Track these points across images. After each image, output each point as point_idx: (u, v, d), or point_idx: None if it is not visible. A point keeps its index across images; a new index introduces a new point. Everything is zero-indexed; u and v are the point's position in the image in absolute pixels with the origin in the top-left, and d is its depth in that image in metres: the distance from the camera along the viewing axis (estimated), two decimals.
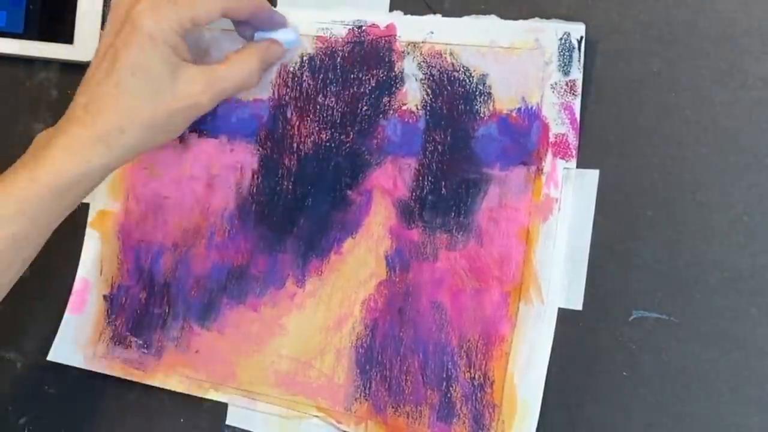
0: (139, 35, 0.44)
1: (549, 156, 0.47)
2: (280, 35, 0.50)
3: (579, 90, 0.46)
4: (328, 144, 0.51)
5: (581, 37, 0.46)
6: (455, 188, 0.48)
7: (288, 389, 0.51)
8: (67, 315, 0.56)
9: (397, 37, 0.50)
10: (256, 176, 0.53)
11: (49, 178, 0.44)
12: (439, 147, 0.49)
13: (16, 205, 0.43)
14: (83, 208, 0.57)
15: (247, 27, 0.50)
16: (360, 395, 0.50)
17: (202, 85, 0.46)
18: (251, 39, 0.50)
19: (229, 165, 0.53)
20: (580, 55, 0.46)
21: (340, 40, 0.51)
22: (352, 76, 0.51)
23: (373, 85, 0.50)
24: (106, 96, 0.44)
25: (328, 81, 0.51)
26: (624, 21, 0.46)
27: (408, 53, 0.50)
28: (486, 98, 0.48)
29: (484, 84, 0.48)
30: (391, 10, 0.51)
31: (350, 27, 0.51)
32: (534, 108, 0.47)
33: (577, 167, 0.46)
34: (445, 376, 0.48)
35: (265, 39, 0.50)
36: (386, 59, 0.50)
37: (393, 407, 0.49)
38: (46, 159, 0.44)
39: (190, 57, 0.46)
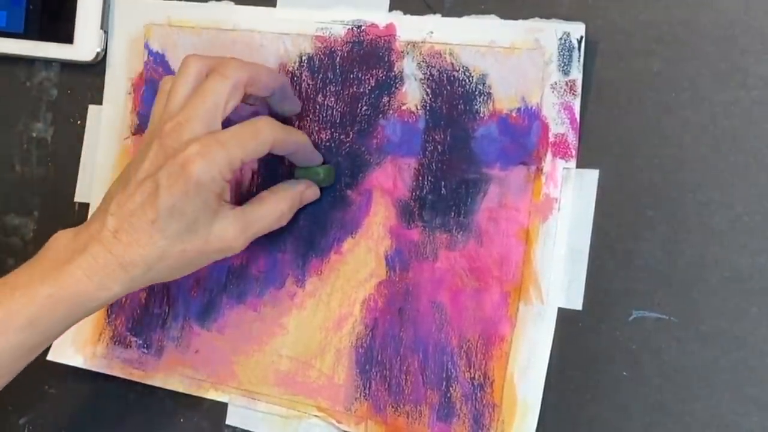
0: (185, 180, 0.43)
1: (549, 156, 0.47)
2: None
3: (579, 90, 0.46)
4: (327, 144, 0.51)
5: (581, 37, 0.46)
6: (455, 188, 0.48)
7: (288, 389, 0.51)
8: None
9: (396, 37, 0.50)
10: (256, 176, 0.53)
11: (65, 296, 0.43)
12: (439, 147, 0.49)
13: (29, 318, 0.43)
14: (83, 208, 0.57)
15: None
16: (360, 395, 0.50)
17: (236, 230, 0.45)
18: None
19: None
20: (580, 55, 0.46)
21: (340, 39, 0.51)
22: (351, 75, 0.51)
23: (373, 84, 0.50)
24: (139, 230, 0.43)
25: (327, 81, 0.51)
26: (624, 21, 0.46)
27: (407, 53, 0.50)
28: (486, 98, 0.48)
29: (483, 84, 0.48)
30: (390, 9, 0.50)
31: (349, 27, 0.51)
32: (534, 108, 0.47)
33: (576, 167, 0.46)
34: (444, 375, 0.48)
35: (303, 182, 0.49)
36: (386, 59, 0.50)
37: (393, 407, 0.49)
38: (67, 279, 0.43)
39: (228, 195, 0.46)
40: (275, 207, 0.48)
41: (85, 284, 0.44)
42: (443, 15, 0.49)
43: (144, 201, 0.44)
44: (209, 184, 0.43)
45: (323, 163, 0.51)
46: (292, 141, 0.47)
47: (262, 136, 0.45)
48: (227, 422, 0.53)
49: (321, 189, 0.51)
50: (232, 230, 0.45)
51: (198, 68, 0.46)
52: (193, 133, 0.44)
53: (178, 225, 0.44)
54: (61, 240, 0.45)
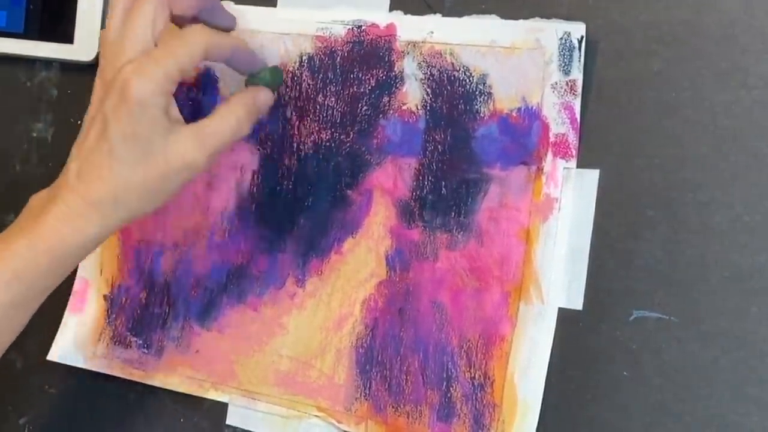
0: (126, 102, 0.43)
1: (549, 156, 0.47)
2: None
3: (579, 90, 0.46)
4: (328, 144, 0.51)
5: (581, 37, 0.46)
6: (455, 188, 0.48)
7: (288, 389, 0.51)
8: (67, 315, 0.56)
9: (397, 37, 0.50)
10: (256, 176, 0.53)
11: (45, 247, 0.44)
12: (440, 147, 0.49)
13: (14, 272, 0.44)
14: None
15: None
16: (360, 395, 0.50)
17: (194, 145, 0.45)
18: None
19: (229, 165, 0.53)
20: (580, 55, 0.46)
21: (340, 39, 0.51)
22: (351, 75, 0.51)
23: (373, 84, 0.50)
24: (99, 164, 0.44)
25: (327, 81, 0.51)
26: (624, 21, 0.46)
27: (408, 53, 0.50)
28: (486, 98, 0.48)
29: (484, 84, 0.48)
30: (391, 9, 0.50)
31: (350, 27, 0.51)
32: (534, 108, 0.47)
33: (577, 167, 0.46)
34: (445, 375, 0.48)
35: (253, 87, 0.49)
36: (386, 59, 0.50)
37: (393, 407, 0.49)
38: (44, 229, 0.44)
39: (177, 112, 0.46)
40: (230, 113, 0.47)
41: (62, 232, 0.44)
42: (443, 15, 0.49)
43: (97, 137, 0.44)
44: (151, 100, 0.43)
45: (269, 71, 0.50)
46: (226, 43, 0.47)
47: (193, 41, 0.45)
48: (227, 422, 0.53)
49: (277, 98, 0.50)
50: (189, 145, 0.45)
51: (124, 1, 0.46)
52: (126, 58, 0.44)
53: (133, 149, 0.44)
54: (36, 199, 0.46)
